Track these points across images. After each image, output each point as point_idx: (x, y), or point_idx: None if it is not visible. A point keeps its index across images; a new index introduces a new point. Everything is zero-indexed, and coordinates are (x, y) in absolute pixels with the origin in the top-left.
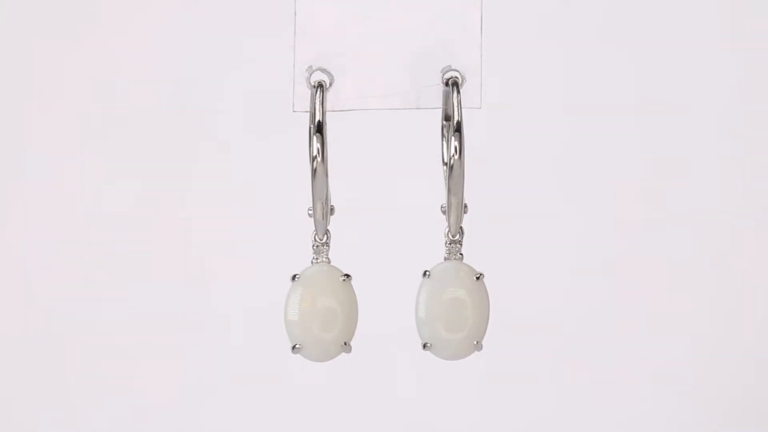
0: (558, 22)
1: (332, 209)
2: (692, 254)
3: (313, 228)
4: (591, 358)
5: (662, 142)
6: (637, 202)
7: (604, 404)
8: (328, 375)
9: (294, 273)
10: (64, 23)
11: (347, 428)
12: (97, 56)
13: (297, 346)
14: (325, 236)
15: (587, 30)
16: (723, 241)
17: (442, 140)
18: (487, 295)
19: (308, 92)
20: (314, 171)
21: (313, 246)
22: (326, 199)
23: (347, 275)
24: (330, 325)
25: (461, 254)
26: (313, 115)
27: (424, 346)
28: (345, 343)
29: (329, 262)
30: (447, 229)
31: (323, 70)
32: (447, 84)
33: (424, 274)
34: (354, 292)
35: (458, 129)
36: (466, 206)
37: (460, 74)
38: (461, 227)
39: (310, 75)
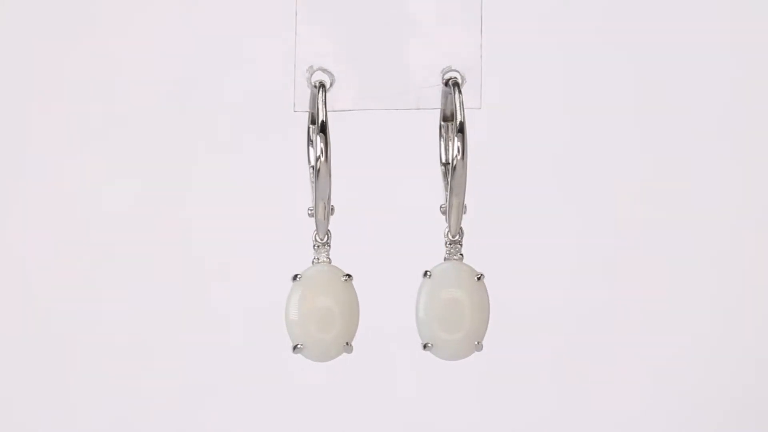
0: (558, 22)
1: (332, 209)
2: (692, 254)
3: (314, 228)
4: (591, 358)
5: (662, 142)
6: (637, 202)
7: (604, 404)
8: (328, 375)
9: (295, 273)
10: (64, 23)
11: (347, 428)
12: (97, 56)
13: (299, 346)
14: (326, 236)
15: (587, 30)
16: (723, 241)
17: (440, 140)
18: (487, 296)
19: (309, 92)
20: (318, 171)
21: (314, 246)
22: (329, 199)
23: (348, 275)
24: (328, 325)
25: (461, 254)
26: (315, 115)
27: (425, 346)
28: (347, 344)
29: (330, 262)
30: (447, 230)
31: (324, 70)
32: (447, 84)
33: (425, 274)
34: (355, 292)
35: (461, 130)
36: (465, 207)
37: (460, 74)
38: (461, 227)
39: (311, 75)
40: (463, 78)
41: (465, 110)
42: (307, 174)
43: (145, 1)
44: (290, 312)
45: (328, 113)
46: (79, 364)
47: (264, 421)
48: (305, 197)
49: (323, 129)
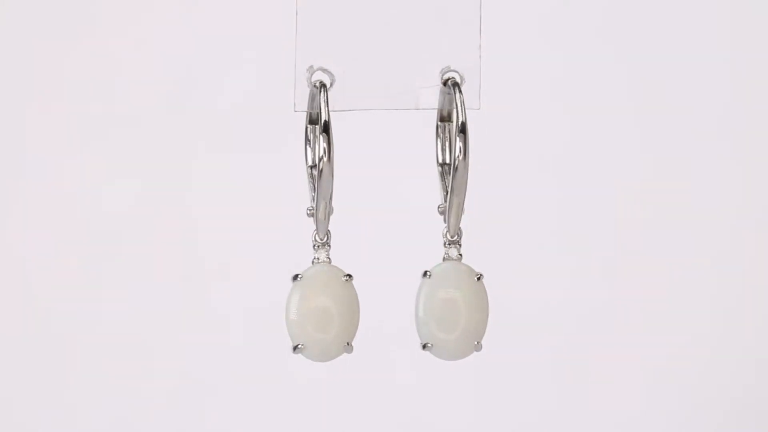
0: (558, 21)
1: (331, 209)
2: (692, 254)
3: (314, 227)
4: (591, 358)
5: (662, 142)
6: (637, 202)
7: (604, 404)
8: (327, 375)
9: (295, 273)
10: (63, 23)
11: (347, 428)
12: (97, 56)
13: (299, 346)
14: (326, 236)
15: (587, 30)
16: (723, 241)
17: (437, 140)
18: (486, 296)
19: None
20: (321, 171)
21: (314, 246)
22: (330, 199)
23: (349, 275)
24: (326, 325)
25: (460, 254)
26: (318, 115)
27: (424, 346)
28: (347, 344)
29: (330, 262)
30: (445, 230)
31: (324, 70)
32: (445, 84)
33: (424, 274)
34: (355, 292)
35: (463, 130)
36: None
37: (459, 75)
38: (459, 227)
39: (311, 75)
40: (462, 78)
41: (473, 110)
42: (305, 174)
43: (145, 1)
44: (290, 312)
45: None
46: (79, 364)
47: (263, 421)
48: (305, 197)
49: (326, 129)
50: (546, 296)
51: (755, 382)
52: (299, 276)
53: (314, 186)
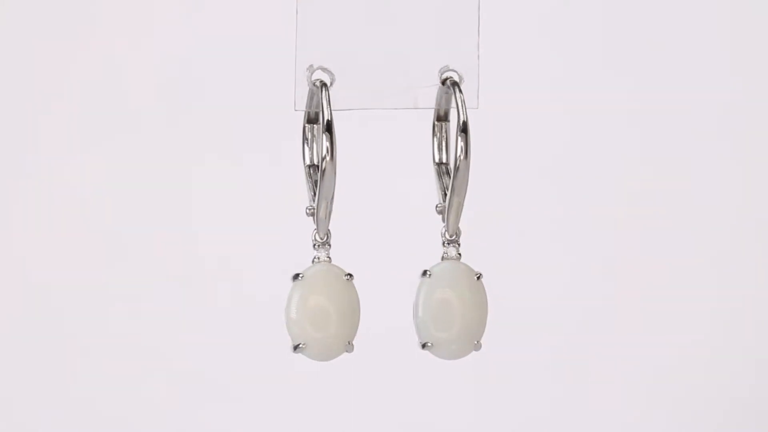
0: (557, 21)
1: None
2: (692, 254)
3: (314, 227)
4: (591, 358)
5: (662, 142)
6: (637, 202)
7: (603, 404)
8: (327, 374)
9: (296, 272)
10: (64, 24)
11: (347, 428)
12: (97, 57)
13: (300, 345)
14: (326, 235)
15: (586, 30)
16: (723, 241)
17: (433, 139)
18: (485, 295)
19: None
20: (323, 171)
21: (314, 245)
22: (332, 198)
23: (350, 274)
24: (324, 324)
25: (459, 254)
26: (321, 114)
27: (423, 345)
28: (348, 343)
29: (330, 261)
30: (444, 229)
31: (324, 69)
32: (444, 83)
33: (423, 273)
34: (355, 291)
35: (464, 129)
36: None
37: (458, 74)
38: (458, 227)
39: (311, 74)
40: (460, 77)
41: (471, 110)
42: (303, 173)
43: (145, 2)
44: (289, 312)
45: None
46: (80, 364)
47: (263, 420)
48: (305, 196)
49: (329, 128)
50: (546, 296)
51: (755, 383)
52: (300, 275)
53: (312, 185)
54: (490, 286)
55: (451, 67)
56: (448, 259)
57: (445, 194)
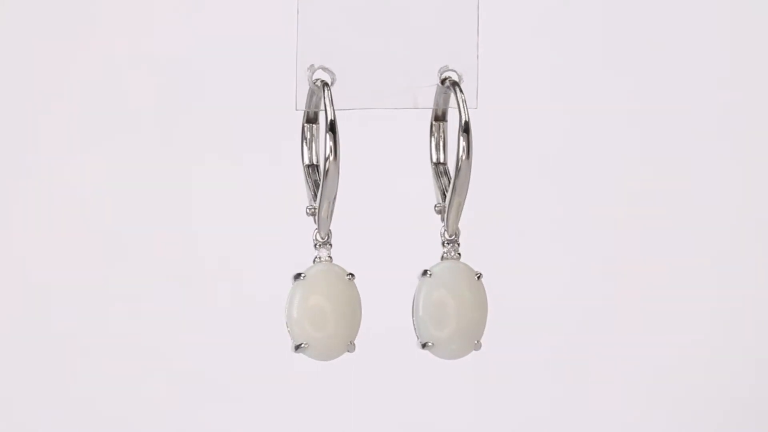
0: (557, 21)
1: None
2: (692, 254)
3: (315, 226)
4: (591, 358)
5: (662, 142)
6: (637, 202)
7: (603, 404)
8: (327, 375)
9: (297, 272)
10: (64, 24)
11: (347, 427)
12: (97, 57)
13: (302, 345)
14: (327, 235)
15: (586, 30)
16: (723, 241)
17: (431, 139)
18: (485, 295)
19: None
20: (327, 171)
21: (315, 245)
22: (334, 198)
23: (351, 274)
24: (322, 324)
25: (459, 254)
26: (325, 113)
27: (423, 345)
28: (350, 342)
29: (331, 261)
30: (443, 229)
31: (325, 69)
32: (443, 83)
33: (423, 273)
34: (356, 290)
35: (466, 129)
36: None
37: (458, 74)
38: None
39: (312, 74)
40: (460, 77)
41: (471, 109)
42: (303, 173)
43: (145, 2)
44: (290, 311)
45: (320, 113)
46: (80, 364)
47: (263, 420)
48: (305, 196)
49: (332, 127)
50: (546, 296)
51: (755, 383)
52: (302, 275)
53: (312, 185)
54: (490, 286)
55: (450, 67)
56: (447, 258)
57: (444, 194)
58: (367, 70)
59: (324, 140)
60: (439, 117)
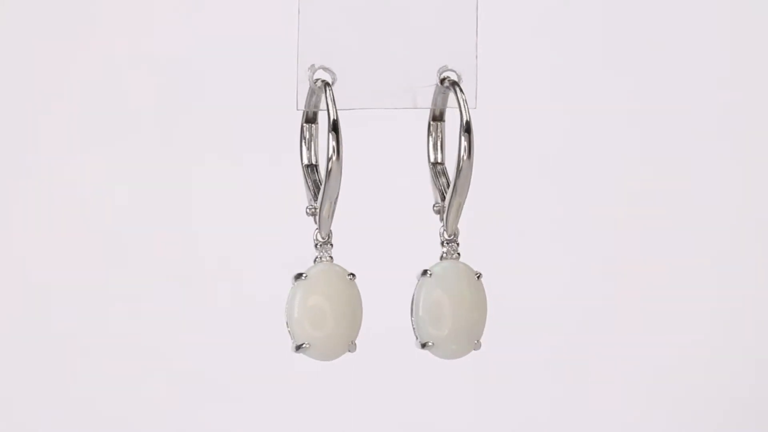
0: (556, 21)
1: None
2: (692, 254)
3: (315, 226)
4: (591, 358)
5: (662, 142)
6: (637, 202)
7: (603, 404)
8: (327, 375)
9: (298, 272)
10: (64, 24)
11: (346, 427)
12: (97, 57)
13: (304, 345)
14: (328, 235)
15: (586, 29)
16: (723, 241)
17: (428, 138)
18: (485, 295)
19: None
20: (330, 171)
21: (316, 245)
22: (336, 198)
23: (352, 274)
24: (322, 324)
25: (458, 253)
26: (327, 113)
27: (423, 345)
28: (351, 342)
29: (332, 261)
30: (442, 229)
31: (326, 69)
32: (442, 83)
33: (423, 273)
34: (357, 290)
35: (467, 129)
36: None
37: (457, 74)
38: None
39: (313, 73)
40: (459, 77)
41: (470, 109)
42: (303, 172)
43: (146, 2)
44: (291, 311)
45: (321, 113)
46: (80, 364)
47: (263, 420)
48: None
49: (335, 127)
50: (546, 296)
51: (755, 383)
52: (303, 275)
53: (311, 185)
54: (490, 286)
55: (449, 67)
56: (447, 258)
57: (442, 194)
58: (366, 70)
59: (327, 140)
60: (437, 117)
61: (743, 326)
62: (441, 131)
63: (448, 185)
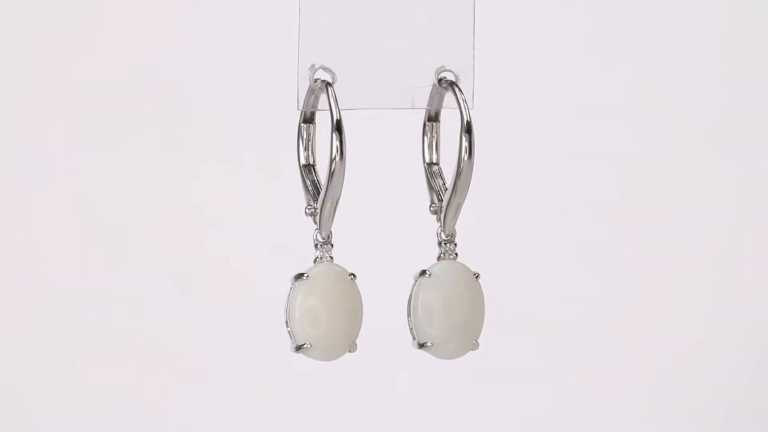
0: (556, 21)
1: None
2: (692, 254)
3: (316, 226)
4: (591, 358)
5: (662, 142)
6: (637, 202)
7: (603, 404)
8: (327, 375)
9: (299, 272)
10: (64, 23)
11: (346, 427)
12: (97, 57)
13: (305, 345)
14: (329, 235)
15: (585, 29)
16: (723, 241)
17: (423, 139)
18: (483, 295)
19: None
20: (333, 171)
21: (316, 245)
22: (338, 198)
23: (353, 274)
24: (319, 324)
25: (456, 254)
26: (330, 113)
27: (421, 345)
28: (351, 342)
29: (332, 261)
30: (440, 229)
31: (326, 69)
32: (440, 83)
33: (422, 273)
34: (357, 291)
35: (468, 129)
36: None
37: (454, 74)
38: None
39: (313, 73)
40: (456, 77)
41: (470, 110)
42: (302, 173)
43: (147, 2)
44: (292, 311)
45: (318, 113)
46: (80, 364)
47: (263, 420)
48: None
49: (339, 127)
50: (546, 296)
51: (755, 383)
52: (304, 275)
53: (310, 185)
54: (489, 286)
55: (447, 68)
56: (445, 258)
57: (438, 194)
58: (365, 71)
59: (330, 140)
60: (432, 117)
61: (743, 326)
62: (436, 132)
63: (444, 186)
